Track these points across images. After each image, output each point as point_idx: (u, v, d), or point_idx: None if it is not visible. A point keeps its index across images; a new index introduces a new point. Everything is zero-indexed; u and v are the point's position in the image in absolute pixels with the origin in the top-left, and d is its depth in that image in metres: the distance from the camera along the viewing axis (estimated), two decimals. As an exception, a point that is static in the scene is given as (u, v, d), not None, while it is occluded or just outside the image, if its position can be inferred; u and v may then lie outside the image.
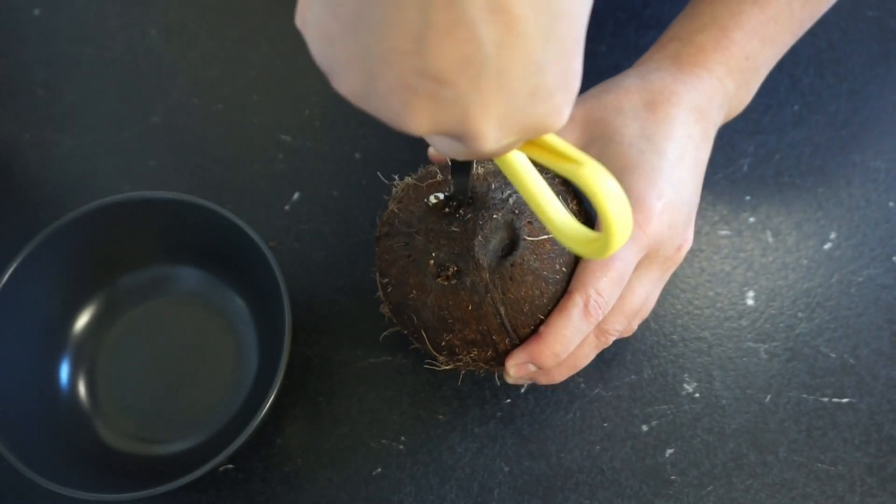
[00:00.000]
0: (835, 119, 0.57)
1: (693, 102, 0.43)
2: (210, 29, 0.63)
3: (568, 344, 0.41)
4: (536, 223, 0.41)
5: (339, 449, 0.50)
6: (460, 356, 0.42)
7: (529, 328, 0.41)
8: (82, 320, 0.52)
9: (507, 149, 0.29)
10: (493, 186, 0.42)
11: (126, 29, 0.63)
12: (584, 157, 0.30)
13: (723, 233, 0.54)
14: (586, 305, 0.40)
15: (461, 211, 0.41)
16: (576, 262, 0.41)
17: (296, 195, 0.57)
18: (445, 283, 0.41)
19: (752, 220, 0.54)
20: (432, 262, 0.41)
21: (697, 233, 0.53)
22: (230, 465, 0.50)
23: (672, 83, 0.43)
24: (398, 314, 0.44)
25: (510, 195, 0.42)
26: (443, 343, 0.42)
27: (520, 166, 0.34)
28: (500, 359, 0.42)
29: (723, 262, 0.53)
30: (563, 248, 0.41)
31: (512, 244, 0.41)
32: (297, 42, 0.62)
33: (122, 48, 0.62)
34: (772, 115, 0.57)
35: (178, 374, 0.51)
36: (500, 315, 0.40)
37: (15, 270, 0.48)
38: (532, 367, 0.41)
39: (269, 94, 0.60)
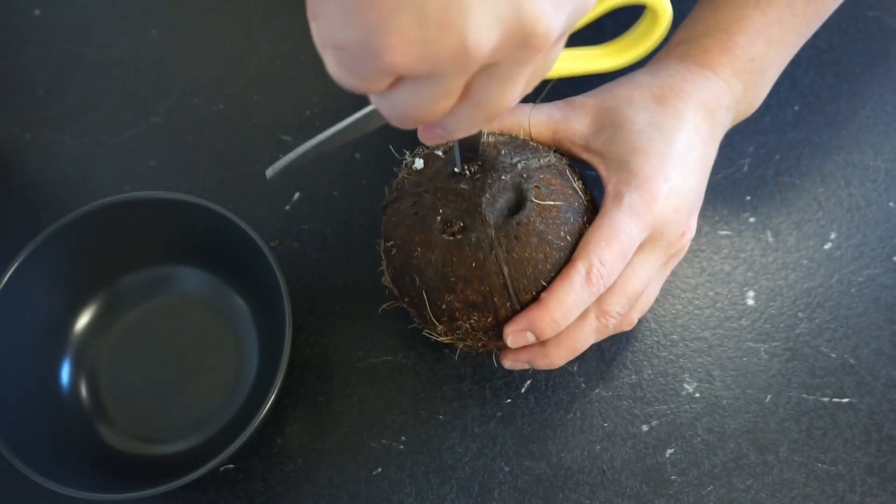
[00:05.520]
0: (835, 119, 0.57)
1: (701, 100, 0.45)
2: (210, 29, 0.63)
3: (568, 312, 0.41)
4: (545, 188, 0.42)
5: (339, 449, 0.50)
6: (460, 322, 0.42)
7: (531, 293, 0.41)
8: (82, 320, 0.52)
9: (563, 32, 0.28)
10: (502, 152, 0.42)
11: (126, 29, 0.63)
12: None
13: (723, 233, 0.54)
14: (588, 273, 0.40)
15: (470, 170, 0.42)
16: (581, 233, 0.42)
17: (296, 195, 0.57)
18: (451, 238, 0.41)
19: (752, 220, 0.54)
20: (439, 217, 0.41)
21: (697, 233, 0.53)
22: (230, 465, 0.50)
23: (681, 81, 0.45)
24: (400, 279, 0.43)
25: (518, 161, 0.42)
26: (443, 306, 0.42)
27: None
28: (500, 329, 0.42)
29: (723, 262, 0.53)
30: (570, 217, 0.42)
31: (518, 205, 0.41)
32: (297, 42, 0.62)
33: (122, 48, 0.62)
34: (772, 115, 0.57)
35: (179, 374, 0.51)
36: (503, 275, 0.40)
37: (15, 270, 0.47)
38: (531, 337, 0.41)
39: (269, 94, 0.60)
